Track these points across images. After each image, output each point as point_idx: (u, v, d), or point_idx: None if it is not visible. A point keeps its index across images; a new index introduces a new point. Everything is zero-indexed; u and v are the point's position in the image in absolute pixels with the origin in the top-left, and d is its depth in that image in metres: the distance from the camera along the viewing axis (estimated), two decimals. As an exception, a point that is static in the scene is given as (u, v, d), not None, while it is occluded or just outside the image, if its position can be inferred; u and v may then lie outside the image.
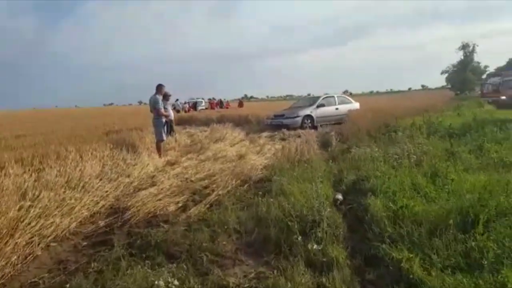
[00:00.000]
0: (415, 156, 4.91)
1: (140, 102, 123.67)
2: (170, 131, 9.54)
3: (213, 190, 4.54)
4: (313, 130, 11.55)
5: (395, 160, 4.96)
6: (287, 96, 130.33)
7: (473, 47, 43.26)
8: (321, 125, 12.45)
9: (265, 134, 11.18)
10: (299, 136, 10.18)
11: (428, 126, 9.03)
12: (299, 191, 4.07)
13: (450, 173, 3.98)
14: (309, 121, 12.48)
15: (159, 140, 7.52)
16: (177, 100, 30.62)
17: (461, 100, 25.13)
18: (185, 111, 29.01)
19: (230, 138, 10.19)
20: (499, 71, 29.55)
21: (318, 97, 13.44)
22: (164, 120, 7.60)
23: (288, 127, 12.02)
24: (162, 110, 7.48)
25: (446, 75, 51.72)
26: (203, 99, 39.19)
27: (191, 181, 5.01)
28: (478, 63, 44.33)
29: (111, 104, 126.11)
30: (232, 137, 10.44)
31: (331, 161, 6.00)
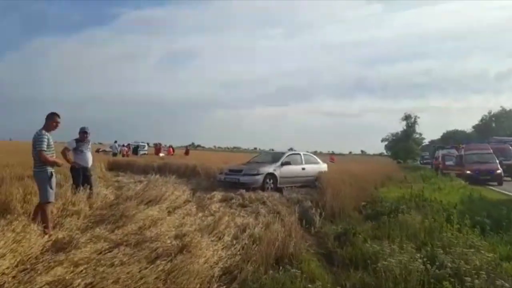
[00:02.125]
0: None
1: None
2: (83, 183, 6.57)
3: None
4: (278, 194, 9.19)
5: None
6: (234, 148, 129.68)
7: (415, 118, 46.05)
8: (285, 187, 10.20)
9: (218, 194, 8.54)
10: (264, 203, 7.71)
11: (422, 204, 7.24)
12: None
13: None
14: (271, 181, 10.17)
15: (44, 202, 4.52)
16: (115, 142, 27.03)
17: (414, 170, 25.08)
18: (123, 155, 25.35)
19: (170, 199, 7.38)
20: (442, 144, 30.79)
21: (283, 153, 11.34)
22: (50, 171, 4.57)
23: (246, 187, 9.59)
24: (47, 154, 4.49)
25: (386, 143, 54.56)
26: (147, 143, 35.73)
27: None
28: (420, 134, 46.99)
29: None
30: (174, 197, 7.63)
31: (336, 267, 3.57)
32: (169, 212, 6.46)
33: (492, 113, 45.31)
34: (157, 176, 13.57)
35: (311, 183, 10.87)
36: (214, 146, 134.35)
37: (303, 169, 11.05)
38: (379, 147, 59.76)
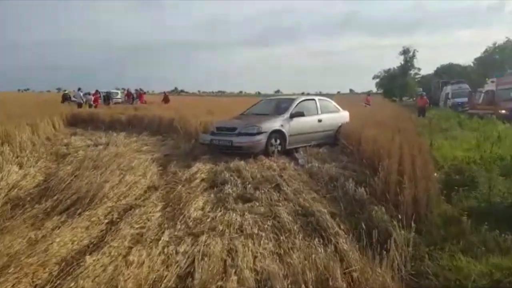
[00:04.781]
0: None
1: (59, 89, 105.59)
2: None
3: None
4: (291, 163, 6.17)
5: None
6: (218, 92, 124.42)
7: (413, 52, 42.70)
8: (295, 149, 7.23)
9: (200, 169, 5.47)
10: (278, 187, 4.68)
11: None
12: None
13: None
14: (277, 141, 7.08)
15: None
16: (79, 89, 22.55)
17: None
18: (90, 105, 21.24)
19: (118, 192, 4.28)
20: (450, 79, 27.72)
21: (292, 100, 8.00)
22: None
23: (242, 151, 6.57)
24: None
25: (377, 80, 51.76)
26: (122, 89, 31.25)
27: None
28: (419, 69, 44.05)
29: (27, 89, 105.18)
30: (124, 187, 4.52)
31: None
32: (109, 224, 3.41)
33: (497, 44, 41.70)
34: (122, 134, 10.46)
35: (331, 140, 7.91)
36: (199, 91, 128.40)
37: (320, 121, 7.90)
38: (368, 85, 57.46)
